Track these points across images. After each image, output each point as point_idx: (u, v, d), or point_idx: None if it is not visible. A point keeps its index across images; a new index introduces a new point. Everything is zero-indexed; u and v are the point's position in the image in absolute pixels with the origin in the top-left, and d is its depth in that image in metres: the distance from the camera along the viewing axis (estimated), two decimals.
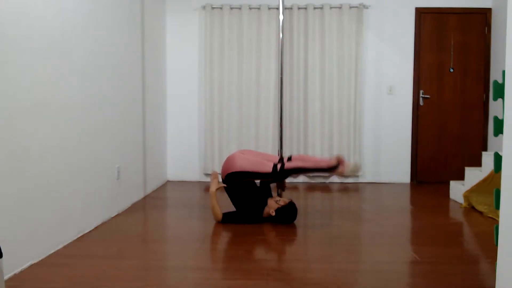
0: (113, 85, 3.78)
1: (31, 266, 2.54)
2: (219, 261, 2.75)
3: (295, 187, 5.31)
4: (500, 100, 1.97)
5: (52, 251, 2.78)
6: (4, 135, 2.32)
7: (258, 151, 3.93)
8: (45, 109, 2.71)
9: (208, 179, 5.66)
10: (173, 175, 5.69)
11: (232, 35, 5.47)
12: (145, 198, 4.59)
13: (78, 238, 3.10)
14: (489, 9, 5.50)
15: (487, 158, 4.14)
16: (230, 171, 3.51)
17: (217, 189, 3.59)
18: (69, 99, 3.01)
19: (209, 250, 2.97)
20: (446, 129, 5.61)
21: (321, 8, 5.45)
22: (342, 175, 3.49)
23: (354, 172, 3.67)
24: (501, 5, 5.32)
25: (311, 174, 3.48)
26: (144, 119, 4.64)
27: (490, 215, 3.78)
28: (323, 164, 3.48)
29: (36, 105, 2.61)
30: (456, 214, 3.98)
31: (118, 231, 3.39)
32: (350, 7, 5.44)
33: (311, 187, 5.32)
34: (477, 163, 5.07)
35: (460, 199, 4.36)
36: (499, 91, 1.92)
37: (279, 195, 3.81)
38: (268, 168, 3.46)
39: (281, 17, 3.85)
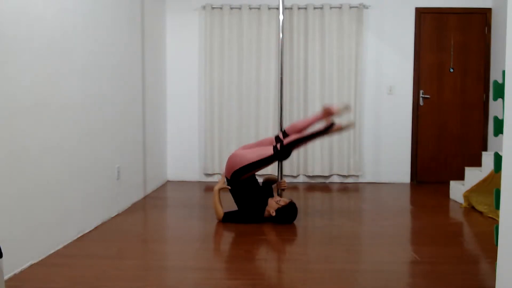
0: (113, 85, 3.78)
1: (31, 266, 2.54)
2: (219, 261, 2.75)
3: (295, 187, 5.31)
4: (500, 100, 1.97)
5: (52, 251, 2.78)
6: (4, 135, 2.32)
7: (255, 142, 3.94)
8: (45, 109, 2.71)
9: (208, 179, 5.66)
10: (173, 175, 5.69)
11: (232, 35, 5.47)
12: (145, 198, 4.59)
13: (78, 238, 3.10)
14: (489, 9, 5.50)
15: (487, 158, 4.14)
16: (235, 169, 3.52)
17: (221, 189, 3.60)
18: (69, 99, 3.01)
19: (209, 250, 2.97)
20: (446, 129, 5.61)
21: (321, 8, 5.45)
22: (340, 130, 3.52)
23: (346, 110, 3.68)
24: (501, 5, 5.32)
25: (312, 141, 3.52)
26: (144, 119, 4.64)
27: (490, 215, 3.78)
28: (319, 128, 3.51)
29: (36, 105, 2.61)
30: (456, 214, 3.98)
31: (118, 231, 3.39)
32: (350, 7, 5.44)
33: (311, 187, 5.32)
34: (477, 163, 5.07)
35: (460, 199, 4.36)
36: (499, 91, 1.93)
37: (280, 195, 3.81)
38: (270, 151, 3.50)
39: (281, 17, 3.85)
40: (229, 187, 3.60)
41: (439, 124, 5.60)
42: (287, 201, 3.54)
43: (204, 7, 5.50)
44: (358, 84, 5.48)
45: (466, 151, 5.60)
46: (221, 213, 3.57)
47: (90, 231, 3.28)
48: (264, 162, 3.51)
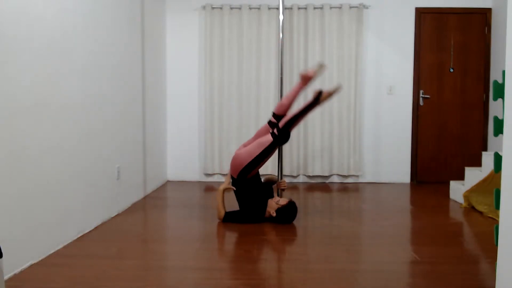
0: (113, 85, 3.78)
1: (31, 266, 2.54)
2: (219, 261, 2.75)
3: (295, 187, 5.31)
4: (500, 100, 1.98)
5: (52, 251, 2.78)
6: (4, 135, 2.32)
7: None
8: (45, 109, 2.71)
9: (208, 179, 5.66)
10: (173, 175, 5.69)
11: (232, 35, 5.47)
12: (145, 198, 4.59)
13: (78, 238, 3.10)
14: (489, 9, 5.50)
15: (487, 158, 4.14)
16: (242, 167, 3.52)
17: (225, 189, 3.62)
18: (69, 99, 3.01)
19: (209, 250, 2.97)
20: (446, 129, 5.61)
21: (321, 8, 5.45)
22: (330, 96, 3.52)
23: (322, 69, 3.71)
24: (501, 5, 5.32)
25: (306, 115, 3.53)
26: (144, 119, 4.64)
27: (490, 215, 3.78)
28: (309, 101, 3.50)
29: (36, 105, 2.61)
30: (456, 214, 3.98)
31: (118, 231, 3.39)
32: (350, 7, 5.44)
33: (311, 187, 5.32)
34: (477, 163, 5.07)
35: (460, 199, 4.36)
36: (499, 91, 1.93)
37: (280, 195, 3.81)
38: (269, 138, 3.51)
39: (281, 17, 3.85)
40: (234, 188, 3.61)
41: (439, 124, 5.60)
42: (287, 200, 3.55)
43: (204, 7, 5.50)
44: (358, 84, 5.48)
45: (466, 151, 5.60)
46: (222, 213, 3.57)
47: (90, 231, 3.28)
48: (267, 151, 3.50)
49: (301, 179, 5.65)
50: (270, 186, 3.79)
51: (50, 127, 2.76)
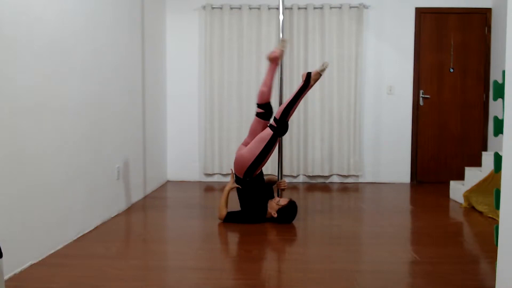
0: (113, 85, 3.78)
1: (31, 266, 2.54)
2: (219, 261, 2.75)
3: (295, 187, 5.31)
4: (500, 100, 1.97)
5: (52, 251, 2.78)
6: (4, 135, 2.32)
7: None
8: (45, 109, 2.71)
9: (208, 179, 5.67)
10: (173, 175, 5.69)
11: (232, 35, 5.47)
12: (145, 198, 4.59)
13: (78, 238, 3.10)
14: (489, 9, 5.50)
15: (487, 158, 4.14)
16: (247, 166, 3.52)
17: (231, 189, 3.62)
18: (69, 99, 3.01)
19: (209, 250, 2.97)
20: (446, 129, 5.61)
21: (321, 8, 5.45)
22: (319, 75, 3.52)
23: (284, 43, 3.75)
24: (501, 5, 5.32)
25: (300, 100, 3.53)
26: (144, 119, 4.64)
27: (490, 215, 3.78)
28: (299, 86, 3.51)
29: (36, 105, 2.61)
30: (456, 214, 3.98)
31: (118, 231, 3.39)
32: (350, 7, 5.44)
33: (311, 187, 5.32)
34: (477, 163, 5.07)
35: (460, 199, 4.36)
36: (499, 91, 1.93)
37: (280, 195, 3.81)
38: (269, 132, 3.50)
39: (281, 17, 3.85)
40: (240, 186, 3.60)
41: (439, 124, 5.60)
42: (287, 200, 3.54)
43: (204, 7, 5.50)
44: (358, 84, 5.48)
45: (466, 151, 5.60)
46: (224, 212, 3.56)
47: (90, 231, 3.28)
48: (270, 145, 3.50)
49: (301, 179, 5.65)
50: (270, 187, 3.79)
51: (50, 127, 2.76)
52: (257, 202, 3.56)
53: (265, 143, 3.48)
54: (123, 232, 3.36)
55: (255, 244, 3.04)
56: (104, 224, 3.51)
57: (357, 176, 5.62)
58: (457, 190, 4.49)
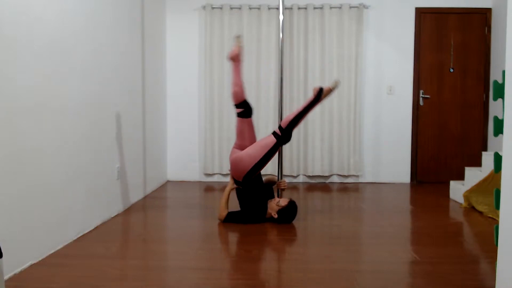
0: (113, 85, 3.78)
1: (31, 266, 2.54)
2: (219, 261, 2.75)
3: (295, 187, 5.31)
4: (500, 100, 1.98)
5: (52, 251, 2.78)
6: (4, 135, 2.32)
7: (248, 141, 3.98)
8: (45, 109, 2.71)
9: (208, 179, 5.67)
10: (173, 175, 5.69)
11: (232, 35, 5.47)
12: (145, 198, 4.59)
13: (78, 238, 3.10)
14: (489, 9, 5.50)
15: (487, 158, 4.14)
16: (246, 171, 3.52)
17: (232, 189, 3.63)
18: (69, 99, 3.01)
19: (209, 250, 2.97)
20: (446, 129, 5.61)
21: (321, 8, 5.45)
22: (330, 91, 3.54)
23: (239, 39, 3.82)
24: (501, 5, 5.32)
25: (308, 113, 3.56)
26: (144, 119, 4.64)
27: (490, 215, 3.78)
28: (310, 99, 3.53)
29: (36, 105, 2.61)
30: (456, 214, 3.98)
31: (118, 231, 3.39)
32: (350, 7, 5.44)
33: (311, 187, 5.32)
34: (477, 163, 5.07)
35: (460, 199, 4.36)
36: (499, 91, 1.93)
37: (280, 195, 3.81)
38: (272, 139, 3.51)
39: (281, 17, 3.85)
40: (240, 187, 3.61)
41: (439, 124, 5.60)
42: (287, 200, 3.54)
43: (204, 7, 5.50)
44: (358, 84, 5.48)
45: (466, 151, 5.60)
46: (224, 213, 3.56)
47: (90, 231, 3.28)
48: (271, 152, 3.51)
49: (301, 179, 5.65)
50: (270, 187, 3.79)
51: (50, 127, 2.76)
52: (256, 202, 3.56)
53: (267, 150, 3.49)
54: (123, 232, 3.36)
55: (255, 244, 3.04)
56: (104, 224, 3.51)
57: (357, 176, 5.62)
58: (457, 190, 4.49)
